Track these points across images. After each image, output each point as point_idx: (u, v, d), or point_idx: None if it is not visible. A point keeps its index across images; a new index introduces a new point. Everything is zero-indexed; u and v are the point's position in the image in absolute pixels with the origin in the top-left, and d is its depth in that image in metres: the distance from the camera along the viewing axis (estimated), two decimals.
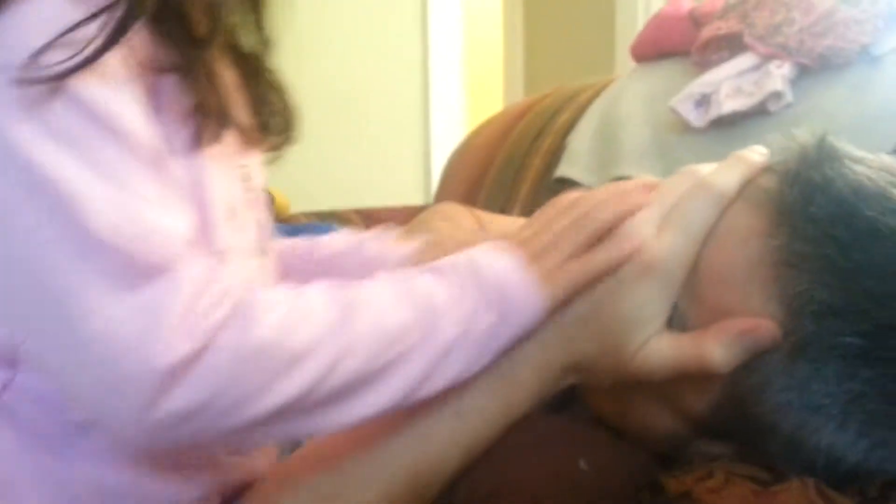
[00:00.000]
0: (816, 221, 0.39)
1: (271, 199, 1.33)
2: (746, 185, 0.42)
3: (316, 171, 1.82)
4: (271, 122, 0.47)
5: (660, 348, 0.40)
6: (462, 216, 0.78)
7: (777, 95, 0.83)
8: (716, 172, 0.42)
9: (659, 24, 1.09)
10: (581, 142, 1.05)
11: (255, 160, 0.46)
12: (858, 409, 0.37)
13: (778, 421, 0.39)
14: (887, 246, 0.37)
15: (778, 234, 0.40)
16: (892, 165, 0.41)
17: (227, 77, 0.42)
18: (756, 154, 0.44)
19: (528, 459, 0.43)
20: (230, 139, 0.41)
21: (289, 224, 1.15)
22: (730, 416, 0.41)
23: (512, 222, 0.81)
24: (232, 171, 0.43)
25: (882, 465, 0.37)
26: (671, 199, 0.42)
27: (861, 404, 0.37)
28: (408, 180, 1.95)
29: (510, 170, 1.19)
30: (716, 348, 0.39)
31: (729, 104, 0.85)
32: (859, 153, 0.41)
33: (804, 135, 0.42)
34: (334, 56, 1.86)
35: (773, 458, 0.39)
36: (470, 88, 2.10)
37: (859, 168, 0.40)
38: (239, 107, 0.43)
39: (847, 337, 0.37)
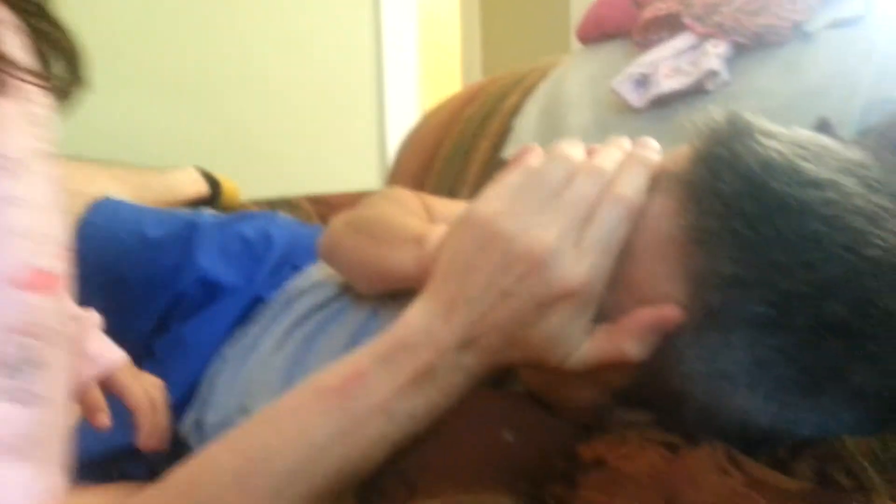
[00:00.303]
0: (723, 197, 0.39)
1: (219, 187, 1.31)
2: (658, 178, 0.42)
3: (267, 156, 1.80)
4: (54, 63, 0.42)
5: (582, 352, 0.41)
6: (409, 199, 0.78)
7: (713, 74, 0.84)
8: (624, 182, 0.42)
9: (602, 5, 1.10)
10: (527, 123, 1.05)
11: (43, 106, 0.41)
12: (766, 375, 0.38)
13: (690, 389, 0.40)
14: (795, 218, 0.38)
15: (685, 214, 0.40)
16: (805, 139, 0.41)
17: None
18: (647, 149, 0.44)
19: (454, 433, 0.43)
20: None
21: (234, 212, 1.14)
22: (646, 386, 0.41)
23: (458, 206, 0.81)
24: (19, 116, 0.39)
25: (791, 428, 0.38)
26: (584, 210, 0.41)
27: (769, 370, 0.38)
28: (363, 165, 1.93)
29: (459, 152, 1.19)
30: (628, 342, 0.40)
31: (667, 84, 0.86)
32: (774, 128, 0.42)
33: (718, 112, 0.42)
34: (287, 39, 1.84)
35: (688, 425, 0.40)
36: (425, 72, 2.09)
37: (770, 142, 0.40)
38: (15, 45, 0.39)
39: (754, 306, 0.37)
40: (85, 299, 0.78)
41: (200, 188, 1.26)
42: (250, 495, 0.40)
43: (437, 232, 0.65)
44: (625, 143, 0.45)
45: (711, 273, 0.39)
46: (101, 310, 0.78)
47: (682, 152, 0.43)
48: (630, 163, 0.43)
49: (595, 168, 0.42)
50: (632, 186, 0.41)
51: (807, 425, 0.38)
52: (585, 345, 0.41)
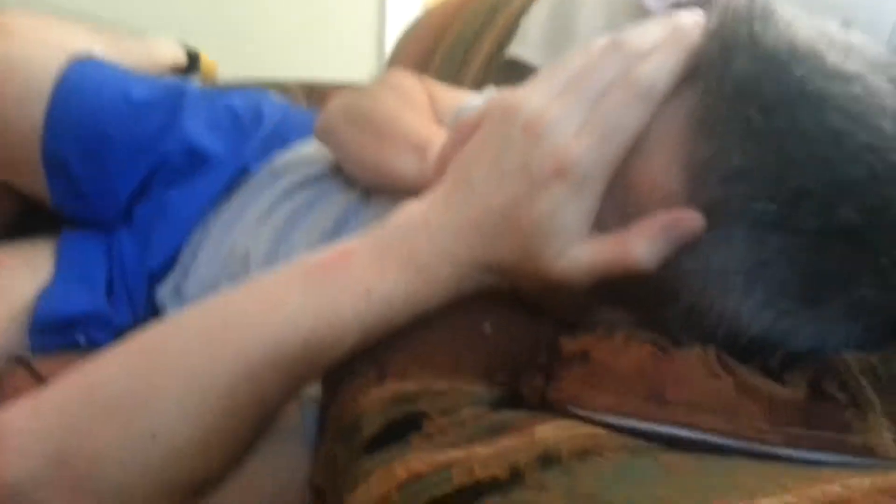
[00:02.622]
0: (736, 79, 0.35)
1: (197, 60, 1.25)
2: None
3: (262, 38, 1.72)
4: None
5: (582, 254, 0.38)
6: (413, 90, 0.74)
7: None
8: (645, 63, 0.37)
9: None
10: (535, 22, 1.00)
11: None
12: (766, 278, 0.35)
13: (680, 287, 0.37)
14: (816, 109, 0.34)
15: (690, 95, 0.37)
16: (832, 31, 0.38)
17: None
18: (693, 22, 0.40)
19: (430, 321, 0.42)
20: None
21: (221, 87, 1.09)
22: (633, 282, 0.39)
23: (462, 96, 0.77)
24: None
25: (785, 337, 0.36)
26: (595, 88, 0.38)
27: (769, 273, 0.35)
28: (359, 55, 1.86)
29: (461, 47, 1.14)
30: (639, 246, 0.37)
31: None
32: (797, 15, 0.38)
33: None
34: None
35: (673, 327, 0.38)
36: None
37: (795, 27, 0.36)
38: None
39: (758, 202, 0.34)
40: (65, 156, 0.75)
41: (178, 58, 1.20)
42: (213, 357, 0.39)
43: (439, 139, 0.62)
44: (677, 19, 0.40)
45: (716, 163, 0.35)
46: (81, 168, 0.75)
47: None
48: (665, 44, 0.38)
49: (623, 46, 0.38)
50: (654, 69, 0.37)
51: (802, 337, 0.36)
52: (586, 246, 0.38)
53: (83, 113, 0.76)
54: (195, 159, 0.79)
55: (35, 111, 0.74)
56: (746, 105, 0.35)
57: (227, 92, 0.87)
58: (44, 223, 0.85)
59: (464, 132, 0.47)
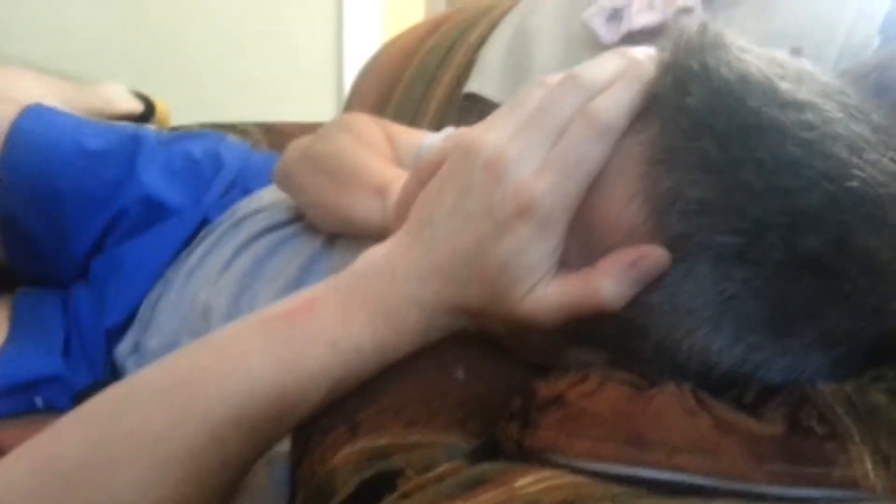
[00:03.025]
0: (691, 112, 0.35)
1: (151, 107, 1.24)
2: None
3: (218, 80, 1.71)
4: None
5: (548, 294, 0.37)
6: (369, 130, 0.73)
7: (687, 11, 0.81)
8: (603, 98, 0.37)
9: None
10: (492, 56, 1.01)
11: None
12: (733, 311, 0.35)
13: (648, 324, 0.37)
14: (771, 139, 0.34)
15: (646, 129, 0.37)
16: (783, 59, 0.38)
17: None
18: (644, 56, 0.39)
19: (400, 370, 0.40)
20: None
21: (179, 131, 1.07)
22: (601, 321, 0.38)
23: (421, 136, 0.77)
24: None
25: (757, 371, 0.36)
26: (555, 125, 0.37)
27: (735, 306, 0.35)
28: (317, 95, 1.86)
29: (420, 84, 1.14)
30: (605, 284, 0.36)
31: (640, 19, 0.82)
32: (749, 45, 0.38)
33: (690, 24, 0.38)
34: None
35: (645, 364, 0.37)
36: (387, 4, 2.00)
37: (746, 57, 0.36)
38: None
39: (721, 235, 0.34)
40: (17, 214, 0.73)
41: (133, 105, 1.19)
42: (176, 417, 0.37)
43: (400, 181, 0.61)
44: (632, 52, 0.39)
45: (676, 196, 0.35)
46: (35, 226, 0.73)
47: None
48: (622, 78, 0.38)
49: (579, 81, 0.38)
50: (612, 104, 0.37)
51: (775, 369, 0.36)
52: (552, 286, 0.37)
53: (36, 166, 0.74)
54: (153, 211, 0.77)
55: None
56: (702, 137, 0.35)
57: (184, 137, 0.86)
58: None
59: (424, 172, 0.47)
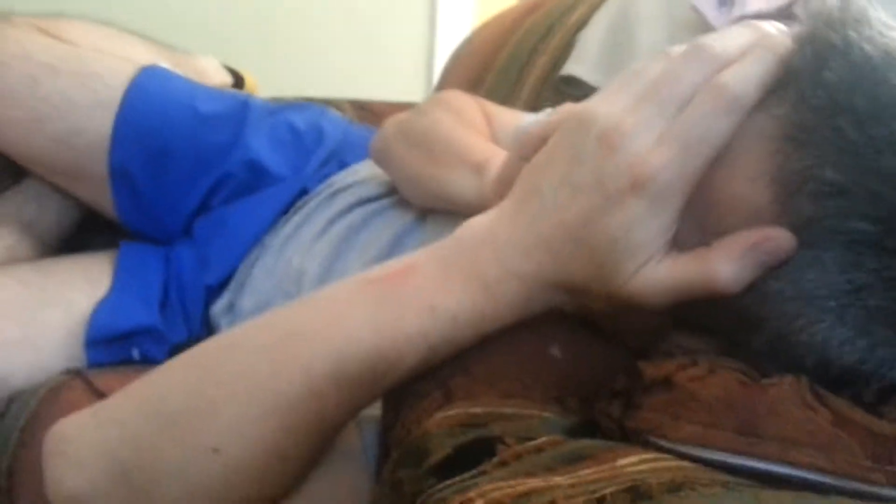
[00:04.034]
0: (829, 87, 0.33)
1: (241, 80, 1.27)
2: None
3: (311, 57, 1.74)
4: None
5: (659, 273, 0.36)
6: (468, 108, 0.73)
7: None
8: (734, 70, 0.35)
9: None
10: (592, 39, 0.99)
11: None
12: (860, 303, 0.33)
13: (766, 313, 0.35)
14: None
15: (781, 104, 0.34)
16: None
17: None
18: (777, 29, 0.38)
19: (495, 343, 0.40)
20: None
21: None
22: (712, 308, 0.36)
23: (519, 116, 0.76)
24: None
25: (880, 368, 0.34)
26: (677, 97, 0.35)
27: (863, 297, 0.33)
28: (408, 75, 1.87)
29: (514, 67, 1.13)
30: (723, 267, 0.34)
31: (754, 4, 0.79)
32: (894, 22, 0.35)
33: None
34: None
35: (757, 356, 0.35)
36: None
37: (892, 34, 0.34)
38: None
39: (854, 221, 0.32)
40: (130, 167, 0.76)
41: (224, 78, 1.22)
42: (278, 370, 0.38)
43: (498, 157, 0.60)
44: (762, 25, 0.37)
45: (807, 177, 0.33)
46: (146, 180, 0.76)
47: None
48: (753, 50, 0.35)
49: (707, 52, 0.36)
50: (743, 77, 0.35)
51: None
52: (663, 265, 0.36)
53: (151, 124, 0.76)
54: (257, 176, 0.79)
55: (104, 119, 0.75)
56: (840, 116, 0.33)
57: (288, 108, 0.87)
58: (101, 236, 0.86)
59: (528, 146, 0.46)
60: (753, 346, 0.36)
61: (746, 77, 0.35)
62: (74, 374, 0.67)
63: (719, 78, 0.35)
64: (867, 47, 0.33)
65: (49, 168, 0.80)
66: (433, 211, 0.69)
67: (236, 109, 0.81)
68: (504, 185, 0.52)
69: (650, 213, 0.35)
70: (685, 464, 0.31)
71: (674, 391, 0.33)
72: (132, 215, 0.79)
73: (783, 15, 0.79)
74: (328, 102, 1.27)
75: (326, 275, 0.68)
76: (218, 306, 0.74)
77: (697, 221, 0.36)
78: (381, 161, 0.73)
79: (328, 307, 0.40)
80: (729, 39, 0.36)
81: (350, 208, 0.75)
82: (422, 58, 1.88)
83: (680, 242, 0.36)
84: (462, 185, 0.61)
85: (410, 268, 0.40)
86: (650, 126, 0.35)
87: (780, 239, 0.34)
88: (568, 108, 0.44)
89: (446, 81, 1.27)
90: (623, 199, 0.35)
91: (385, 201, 0.74)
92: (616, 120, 0.36)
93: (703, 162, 0.35)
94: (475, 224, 0.40)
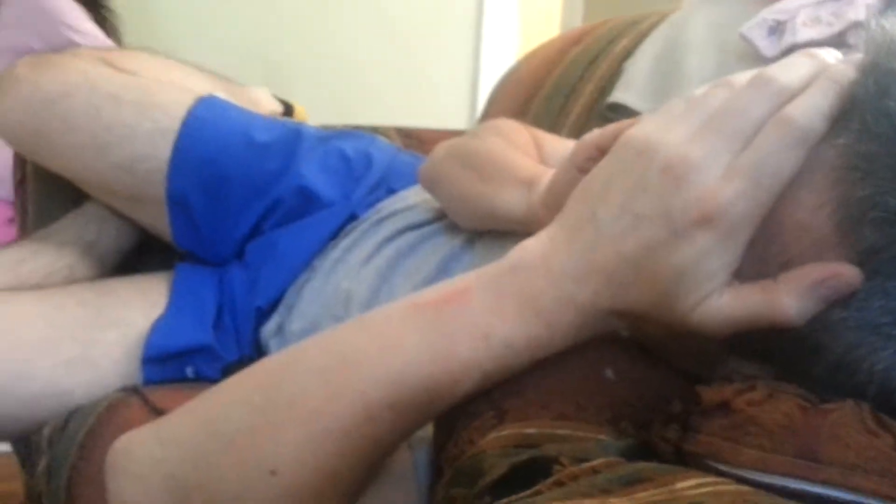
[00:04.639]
0: (892, 117, 0.33)
1: (291, 110, 1.31)
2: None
3: (358, 87, 1.78)
4: None
5: (722, 304, 0.35)
6: (518, 133, 0.74)
7: (859, 26, 0.76)
8: (800, 102, 0.35)
9: None
10: (640, 67, 0.99)
11: None
12: None
13: (828, 340, 0.35)
14: None
15: (843, 133, 0.34)
16: None
17: None
18: (836, 58, 0.38)
19: (549, 365, 0.40)
20: None
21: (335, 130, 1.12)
22: (772, 335, 0.36)
23: (569, 143, 0.77)
24: None
25: None
26: (744, 129, 0.35)
27: None
28: (453, 105, 1.89)
29: (560, 95, 1.14)
30: (789, 300, 0.34)
31: (805, 33, 0.79)
32: None
33: (889, 23, 0.36)
34: None
35: (816, 383, 0.35)
36: (526, 14, 2.02)
37: None
38: None
39: None
40: (187, 194, 0.78)
41: (275, 107, 1.26)
42: (334, 394, 0.38)
43: (548, 174, 0.61)
44: (822, 54, 0.37)
45: (871, 205, 0.33)
46: (202, 206, 0.78)
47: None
48: (818, 80, 0.35)
49: (770, 83, 0.36)
50: (810, 108, 0.34)
51: None
52: (728, 296, 0.35)
53: (207, 152, 0.79)
54: (307, 202, 0.81)
55: (164, 147, 0.78)
56: None
57: (339, 136, 0.90)
58: (157, 258, 0.88)
59: (580, 154, 0.46)
60: (814, 373, 0.36)
61: (813, 109, 0.35)
62: (131, 391, 0.69)
63: (787, 111, 0.35)
64: None
65: (110, 193, 0.83)
66: (482, 236, 0.70)
67: (289, 138, 0.84)
68: (555, 197, 0.52)
69: (719, 246, 0.35)
70: (745, 488, 0.30)
71: (732, 415, 0.33)
72: (188, 239, 0.81)
73: (836, 43, 0.78)
74: (376, 130, 1.30)
75: (374, 298, 0.69)
76: (267, 328, 0.75)
77: (760, 251, 0.36)
78: (431, 183, 0.74)
79: (382, 332, 0.40)
80: (792, 70, 0.36)
81: (398, 233, 0.76)
82: (466, 87, 1.91)
83: (741, 271, 0.36)
84: (511, 201, 0.62)
85: (463, 292, 0.40)
86: (717, 158, 0.35)
87: (847, 275, 0.33)
88: (623, 125, 0.44)
89: (492, 110, 1.28)
90: (691, 232, 0.35)
91: (433, 227, 0.75)
92: (682, 150, 0.35)
93: (771, 195, 0.35)
94: (528, 249, 0.40)
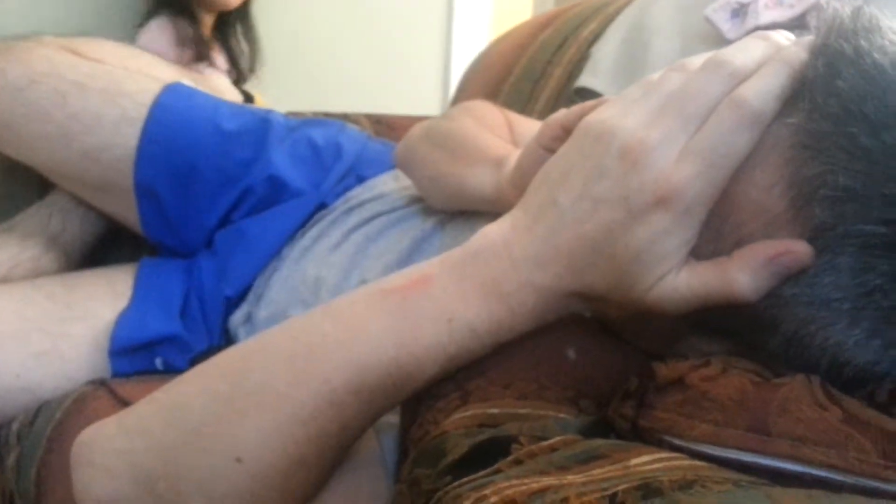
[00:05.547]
0: (841, 96, 0.34)
1: (250, 100, 1.31)
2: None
3: (330, 72, 1.77)
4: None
5: (678, 282, 0.36)
6: (492, 115, 0.74)
7: (820, 7, 0.77)
8: (753, 84, 0.36)
9: None
10: (606, 51, 1.00)
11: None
12: (873, 305, 0.33)
13: (781, 316, 0.35)
14: None
15: (795, 112, 0.35)
16: None
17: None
18: (789, 40, 0.38)
19: (514, 349, 0.41)
20: None
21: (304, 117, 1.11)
22: (728, 312, 0.37)
23: (538, 125, 0.77)
24: None
25: (893, 369, 0.34)
26: (699, 112, 0.36)
27: (876, 300, 0.33)
28: (425, 90, 1.89)
29: (529, 79, 1.14)
30: (743, 277, 0.35)
31: (767, 15, 0.80)
32: None
33: (840, 5, 0.37)
34: None
35: (771, 358, 0.36)
36: (497, 4, 2.01)
37: None
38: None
39: (867, 225, 0.33)
40: (155, 183, 0.77)
41: (235, 97, 1.25)
42: (299, 380, 0.39)
43: (516, 154, 0.61)
44: (775, 36, 0.38)
45: (822, 183, 0.34)
46: (170, 195, 0.78)
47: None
48: (770, 63, 0.36)
49: (724, 65, 0.36)
50: (762, 90, 0.35)
51: None
52: (684, 275, 0.36)
53: (175, 140, 0.78)
54: (277, 190, 0.81)
55: (131, 135, 0.77)
56: (853, 123, 0.33)
57: (308, 124, 0.89)
58: (124, 249, 0.88)
59: (546, 134, 0.46)
60: (769, 347, 0.36)
61: (766, 91, 0.35)
62: (99, 384, 0.69)
63: (739, 92, 0.35)
64: (878, 56, 0.34)
65: (76, 182, 0.81)
66: (453, 218, 0.70)
67: (258, 126, 0.83)
68: (522, 175, 0.52)
69: (675, 226, 0.36)
70: (698, 462, 0.31)
71: (687, 391, 0.34)
72: (156, 228, 0.81)
73: (797, 25, 0.79)
74: (346, 117, 1.29)
75: (344, 282, 0.69)
76: (236, 317, 0.75)
77: (714, 229, 0.37)
78: (405, 163, 0.74)
79: (347, 318, 0.41)
80: (746, 53, 0.37)
81: (368, 220, 0.76)
82: (438, 72, 1.90)
83: (697, 250, 0.37)
84: (480, 179, 0.62)
85: (426, 278, 0.40)
86: (673, 141, 0.36)
87: (798, 251, 0.34)
88: (588, 106, 0.44)
89: (462, 95, 1.28)
90: (648, 213, 0.35)
91: (403, 211, 0.75)
92: (639, 135, 0.36)
93: (725, 175, 0.35)
94: (490, 234, 0.41)
